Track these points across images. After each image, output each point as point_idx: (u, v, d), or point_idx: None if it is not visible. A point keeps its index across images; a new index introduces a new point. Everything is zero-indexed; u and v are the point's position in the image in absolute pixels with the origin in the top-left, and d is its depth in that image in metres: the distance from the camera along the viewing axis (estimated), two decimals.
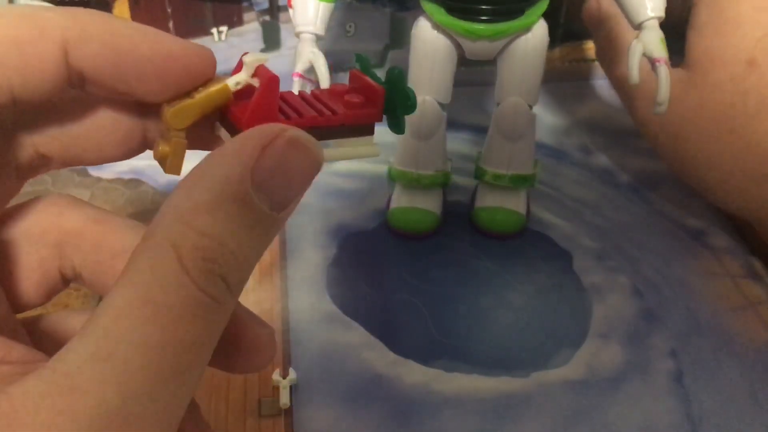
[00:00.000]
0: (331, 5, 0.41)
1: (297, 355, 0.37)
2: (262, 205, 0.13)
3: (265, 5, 0.56)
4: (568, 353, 0.38)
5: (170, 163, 0.16)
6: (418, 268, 0.43)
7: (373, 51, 0.57)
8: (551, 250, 0.45)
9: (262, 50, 0.58)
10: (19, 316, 0.18)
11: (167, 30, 0.59)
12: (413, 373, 0.36)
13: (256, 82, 0.16)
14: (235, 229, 0.13)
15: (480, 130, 0.51)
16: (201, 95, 0.16)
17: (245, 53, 0.17)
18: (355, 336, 0.38)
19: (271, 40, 0.57)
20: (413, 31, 0.42)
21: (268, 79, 0.16)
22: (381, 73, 0.18)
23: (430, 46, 0.41)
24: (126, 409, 0.11)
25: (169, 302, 0.12)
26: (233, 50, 0.60)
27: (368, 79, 0.18)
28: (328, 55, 0.41)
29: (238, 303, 0.16)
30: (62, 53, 0.14)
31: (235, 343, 0.17)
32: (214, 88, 0.16)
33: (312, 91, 0.18)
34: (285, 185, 0.14)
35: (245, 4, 0.56)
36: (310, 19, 0.42)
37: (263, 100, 0.16)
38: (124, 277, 0.13)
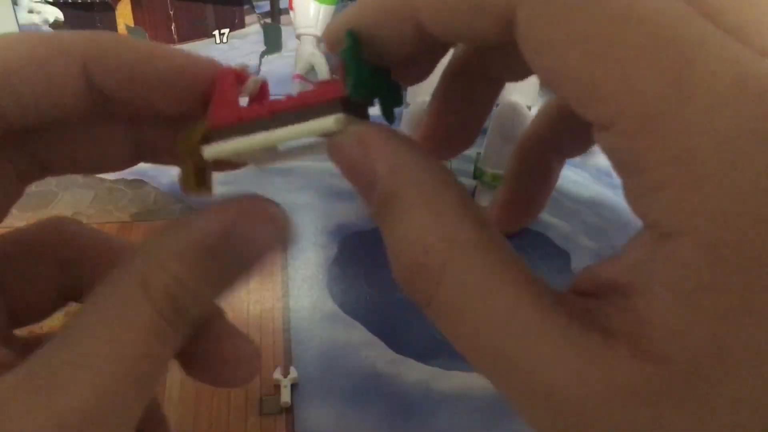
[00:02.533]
0: (331, 7, 0.41)
1: (298, 354, 0.37)
2: (229, 259, 0.15)
3: (267, 8, 0.56)
4: None
5: (188, 183, 0.18)
6: None
7: None
8: (550, 249, 0.45)
9: (264, 52, 0.58)
10: (21, 330, 0.18)
11: (169, 32, 0.59)
12: (413, 372, 0.37)
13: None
14: (200, 275, 0.15)
15: None
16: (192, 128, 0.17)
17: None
18: (356, 335, 0.39)
19: (272, 42, 0.58)
20: None
21: (219, 73, 0.17)
22: None
23: None
24: (98, 407, 0.14)
25: (134, 323, 0.14)
26: (234, 52, 0.60)
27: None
28: (328, 56, 0.42)
29: (225, 319, 0.18)
30: (82, 70, 0.15)
31: (217, 357, 0.18)
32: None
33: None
34: (254, 248, 0.16)
35: (246, 6, 0.56)
36: (310, 21, 0.42)
37: (219, 93, 0.17)
38: (94, 298, 0.15)
